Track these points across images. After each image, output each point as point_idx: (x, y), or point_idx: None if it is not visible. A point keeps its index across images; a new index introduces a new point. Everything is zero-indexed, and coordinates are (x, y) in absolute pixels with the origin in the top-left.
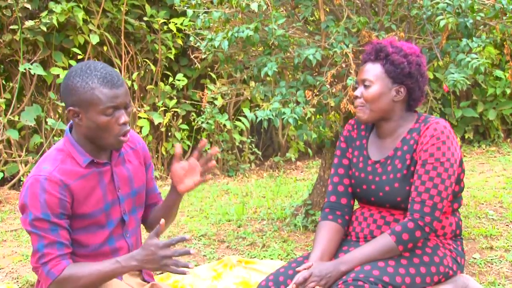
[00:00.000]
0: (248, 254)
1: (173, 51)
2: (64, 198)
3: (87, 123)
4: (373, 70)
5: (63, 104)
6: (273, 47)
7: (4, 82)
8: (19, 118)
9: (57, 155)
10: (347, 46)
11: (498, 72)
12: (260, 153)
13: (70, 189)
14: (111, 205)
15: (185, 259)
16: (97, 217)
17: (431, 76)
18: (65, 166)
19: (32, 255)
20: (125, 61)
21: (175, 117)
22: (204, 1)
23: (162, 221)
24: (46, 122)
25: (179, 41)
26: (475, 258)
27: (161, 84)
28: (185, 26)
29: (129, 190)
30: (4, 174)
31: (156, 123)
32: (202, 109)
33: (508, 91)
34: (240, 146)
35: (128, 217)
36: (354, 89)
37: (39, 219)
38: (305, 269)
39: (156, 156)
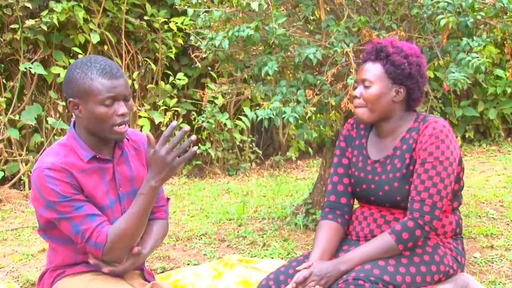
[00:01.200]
0: (249, 253)
1: (174, 50)
2: (72, 182)
3: (86, 114)
4: (373, 70)
5: (63, 104)
6: (273, 46)
7: (4, 81)
8: (19, 117)
9: (59, 149)
10: (348, 45)
11: (499, 71)
12: (260, 152)
13: (75, 176)
14: (114, 202)
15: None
16: (105, 211)
17: (432, 75)
18: (68, 160)
19: (73, 238)
20: (125, 60)
21: (175, 116)
22: (205, 0)
23: (147, 132)
24: (46, 121)
25: (180, 40)
26: (475, 257)
27: (162, 83)
28: (186, 25)
29: (130, 189)
30: (4, 173)
31: (156, 122)
32: (202, 108)
33: (508, 90)
34: (241, 145)
35: None
36: (355, 88)
37: (60, 203)
38: (305, 268)
39: None
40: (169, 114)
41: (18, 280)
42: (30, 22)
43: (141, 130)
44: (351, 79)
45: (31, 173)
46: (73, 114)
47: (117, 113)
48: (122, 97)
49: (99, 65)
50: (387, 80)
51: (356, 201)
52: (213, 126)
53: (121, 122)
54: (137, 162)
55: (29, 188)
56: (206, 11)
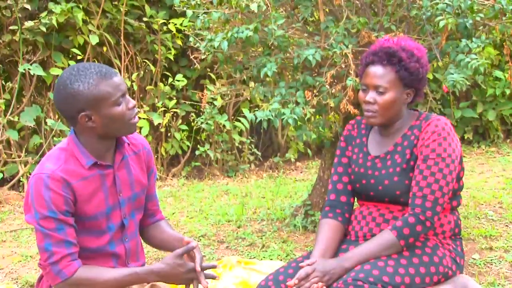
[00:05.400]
0: (248, 254)
1: (173, 51)
2: (67, 196)
3: (101, 121)
4: (387, 76)
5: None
6: (272, 47)
7: (3, 83)
8: (18, 119)
9: (60, 155)
10: (347, 47)
11: (498, 73)
12: (259, 153)
13: (72, 188)
14: (112, 209)
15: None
16: (98, 220)
17: (431, 77)
18: (68, 166)
19: (40, 253)
20: (124, 61)
21: (174, 118)
22: (204, 2)
23: (194, 243)
24: (45, 123)
25: (179, 42)
26: (474, 259)
27: (161, 84)
28: (185, 26)
29: (130, 194)
30: (3, 174)
31: (155, 123)
32: (201, 109)
33: (507, 91)
34: (240, 146)
35: (128, 221)
36: (363, 90)
37: (46, 218)
38: (308, 265)
39: (156, 156)
40: (168, 115)
41: (17, 282)
42: (29, 24)
43: (140, 132)
44: (350, 80)
45: (30, 175)
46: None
47: (128, 107)
48: (126, 91)
49: (94, 69)
50: (399, 85)
51: (355, 202)
52: (212, 127)
53: (134, 114)
54: (136, 166)
55: None
56: (205, 13)
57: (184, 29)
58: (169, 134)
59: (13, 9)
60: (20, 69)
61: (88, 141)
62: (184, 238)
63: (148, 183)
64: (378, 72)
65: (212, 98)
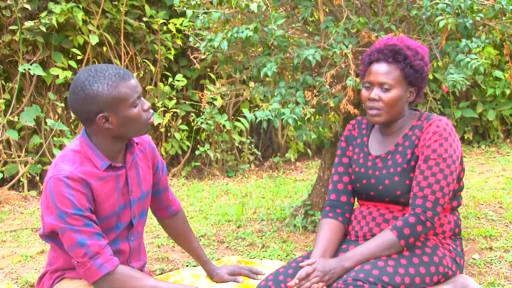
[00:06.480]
0: (248, 254)
1: (173, 51)
2: (88, 194)
3: (119, 121)
4: (393, 73)
5: (62, 105)
6: (272, 47)
7: (3, 83)
8: (18, 119)
9: (74, 157)
10: (347, 47)
11: (498, 73)
12: (259, 153)
13: (91, 187)
14: (123, 208)
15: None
16: (109, 220)
17: (431, 77)
18: (85, 168)
19: (74, 252)
20: (124, 61)
21: (174, 118)
22: (204, 2)
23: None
24: (45, 123)
25: (179, 42)
26: (474, 259)
27: (161, 84)
28: (185, 26)
29: (140, 194)
30: (3, 174)
31: (155, 123)
32: (201, 109)
33: (507, 91)
34: (240, 146)
35: (136, 220)
36: (366, 88)
37: (72, 215)
38: (308, 264)
39: None
40: (168, 115)
41: (17, 282)
42: (29, 24)
43: None
44: (350, 80)
45: (45, 179)
46: (85, 127)
47: (144, 109)
48: (141, 93)
49: (111, 71)
50: (404, 82)
51: (355, 202)
52: (212, 127)
53: (150, 115)
54: (143, 165)
55: (28, 190)
56: (205, 13)
57: (184, 29)
58: (169, 134)
59: (13, 9)
60: (20, 69)
61: (101, 142)
62: (202, 257)
63: (160, 177)
64: (384, 69)
65: (212, 98)
